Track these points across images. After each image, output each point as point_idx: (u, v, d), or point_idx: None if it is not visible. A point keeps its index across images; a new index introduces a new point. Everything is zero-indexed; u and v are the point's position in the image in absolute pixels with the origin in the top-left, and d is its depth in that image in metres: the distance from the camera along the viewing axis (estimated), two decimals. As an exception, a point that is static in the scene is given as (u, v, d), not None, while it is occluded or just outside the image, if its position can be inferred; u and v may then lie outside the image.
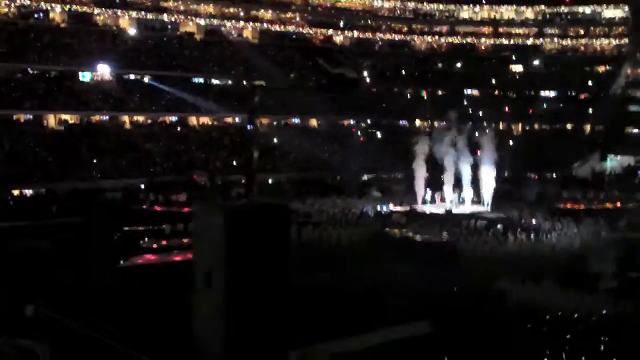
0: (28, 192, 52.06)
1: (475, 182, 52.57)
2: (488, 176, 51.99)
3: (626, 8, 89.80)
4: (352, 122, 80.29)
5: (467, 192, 52.84)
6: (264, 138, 69.08)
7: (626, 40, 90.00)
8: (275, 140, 69.64)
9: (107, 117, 66.79)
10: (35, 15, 70.35)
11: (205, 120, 71.49)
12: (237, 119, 71.18)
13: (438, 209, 50.00)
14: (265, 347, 9.06)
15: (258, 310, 8.73)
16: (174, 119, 70.45)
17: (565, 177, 69.35)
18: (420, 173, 51.71)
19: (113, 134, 64.26)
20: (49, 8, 70.63)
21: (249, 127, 13.52)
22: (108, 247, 32.91)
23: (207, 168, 61.38)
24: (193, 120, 71.07)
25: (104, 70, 68.45)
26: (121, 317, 22.37)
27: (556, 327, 20.62)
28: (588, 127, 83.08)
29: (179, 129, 69.33)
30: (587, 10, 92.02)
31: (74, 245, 35.27)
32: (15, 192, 51.22)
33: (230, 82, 76.26)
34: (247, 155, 12.70)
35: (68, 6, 71.46)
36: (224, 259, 8.61)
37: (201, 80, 75.61)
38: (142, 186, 54.95)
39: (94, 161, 58.44)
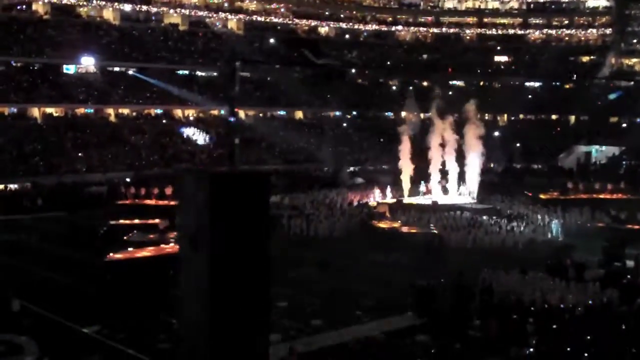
0: (13, 186, 51.72)
1: (462, 173, 52.72)
2: (474, 167, 52.13)
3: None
4: (337, 113, 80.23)
5: (453, 183, 53.00)
6: (250, 130, 69.16)
7: (610, 29, 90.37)
8: (260, 132, 69.58)
9: (92, 110, 66.39)
10: (18, 7, 69.80)
11: (191, 112, 71.26)
12: (222, 111, 70.99)
13: (424, 200, 50.07)
14: (249, 313, 9.15)
15: (242, 275, 8.86)
16: (159, 111, 70.16)
17: (550, 167, 69.63)
18: (406, 164, 51.73)
19: (98, 127, 63.93)
20: (32, 0, 70.15)
21: (231, 119, 13.53)
22: (93, 242, 32.74)
23: (193, 161, 61.29)
24: (178, 112, 70.81)
25: (88, 63, 68.09)
26: (103, 311, 22.41)
27: (542, 318, 20.72)
28: (573, 118, 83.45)
29: (164, 121, 69.06)
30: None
31: (59, 240, 35.20)
32: (0, 186, 50.90)
33: (215, 73, 76.07)
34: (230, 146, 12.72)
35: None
36: (209, 221, 8.78)
37: (186, 72, 75.28)
38: (128, 179, 54.69)
39: (79, 154, 58.22)
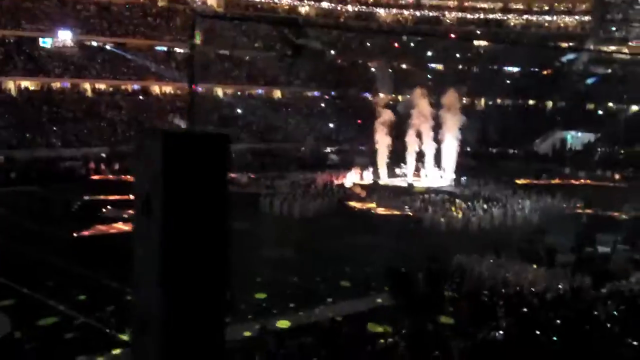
0: (-14, 159, 51.18)
1: (438, 157, 52.88)
2: (451, 150, 52.30)
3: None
4: (316, 93, 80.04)
5: (430, 165, 53.13)
6: (227, 108, 68.91)
7: (589, 17, 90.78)
8: (238, 110, 69.37)
9: (68, 84, 65.68)
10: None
11: (168, 89, 70.76)
12: (199, 88, 70.44)
13: (400, 182, 50.18)
14: (205, 285, 8.88)
15: (197, 244, 8.56)
16: (136, 87, 69.57)
17: (526, 152, 70.04)
18: (383, 146, 51.74)
19: (74, 102, 63.27)
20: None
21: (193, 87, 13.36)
22: (66, 217, 32.55)
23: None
24: (155, 88, 70.25)
25: (65, 37, 67.24)
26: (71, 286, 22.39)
27: (513, 301, 20.87)
28: (550, 104, 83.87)
29: (141, 97, 68.50)
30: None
31: (31, 214, 34.88)
32: (-28, 159, 50.38)
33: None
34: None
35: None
36: (162, 184, 8.46)
37: (164, 48, 74.68)
38: (104, 155, 54.31)
39: (55, 129, 57.66)
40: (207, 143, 5.96)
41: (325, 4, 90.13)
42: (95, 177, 46.21)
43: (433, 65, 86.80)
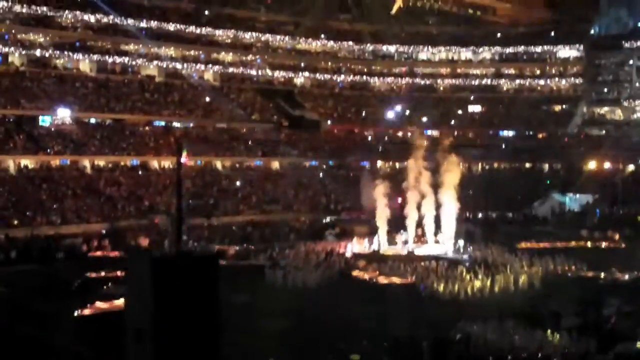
0: (-15, 238, 51.10)
1: (437, 222, 52.79)
2: (450, 216, 52.21)
3: (580, 47, 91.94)
4: (314, 163, 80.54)
5: (429, 232, 52.96)
6: (226, 180, 69.28)
7: (581, 79, 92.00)
8: (237, 182, 69.78)
9: (68, 161, 66.02)
10: (-5, 60, 69.97)
11: (167, 163, 71.15)
12: (198, 162, 71.01)
13: (400, 250, 50.01)
14: None
15: None
16: (135, 162, 69.96)
17: (525, 215, 70.05)
18: (382, 214, 51.68)
19: (73, 178, 63.54)
20: (8, 52, 70.34)
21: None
22: (66, 295, 32.38)
23: (168, 212, 61.00)
24: (154, 163, 70.64)
25: (64, 114, 67.94)
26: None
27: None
28: (546, 166, 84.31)
29: (140, 172, 68.82)
30: (542, 49, 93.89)
31: (31, 293, 34.66)
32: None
33: (191, 124, 76.55)
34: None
35: (27, 50, 71.35)
36: (153, 310, 8.21)
37: (162, 123, 75.44)
38: (104, 231, 54.32)
39: (54, 206, 57.79)
40: (195, 266, 6.04)
41: (319, 75, 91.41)
42: (96, 253, 46.08)
43: (429, 131, 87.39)
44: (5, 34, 70.88)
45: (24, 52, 71.33)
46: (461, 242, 49.61)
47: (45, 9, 72.10)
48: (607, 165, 78.67)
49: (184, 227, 53.00)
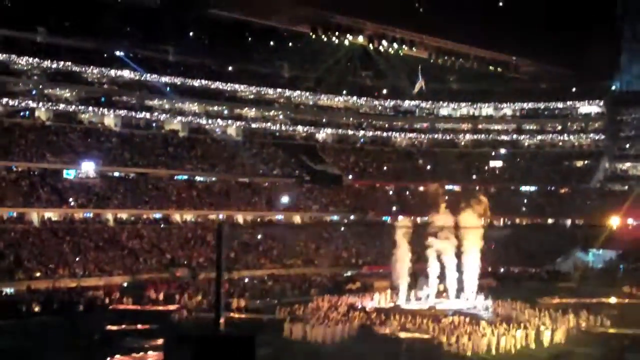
0: (9, 290, 51.43)
1: (460, 277, 52.44)
2: (472, 271, 51.88)
3: (601, 103, 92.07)
4: (335, 217, 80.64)
5: (451, 287, 52.60)
6: (247, 234, 69.49)
7: (602, 135, 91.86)
8: (258, 236, 70.00)
9: (91, 214, 66.55)
10: (21, 114, 71.15)
11: (189, 216, 71.53)
12: (220, 215, 71.44)
13: (421, 304, 49.68)
14: None
15: None
16: (158, 215, 70.42)
17: (548, 271, 69.48)
18: (403, 269, 51.49)
19: (96, 231, 63.99)
20: (35, 106, 71.62)
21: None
22: (87, 348, 32.46)
23: (189, 265, 61.24)
24: (176, 216, 71.06)
25: (88, 167, 68.69)
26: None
27: None
28: (569, 222, 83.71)
29: (162, 225, 69.20)
30: (564, 105, 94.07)
31: (53, 346, 34.79)
32: (-3, 291, 50.63)
33: (214, 178, 77.15)
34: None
35: (54, 105, 72.63)
36: None
37: (185, 177, 76.10)
38: (125, 284, 54.49)
39: (77, 259, 58.12)
40: (234, 346, 6.17)
41: (341, 130, 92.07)
42: (118, 306, 46.21)
43: (450, 186, 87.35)
44: (33, 89, 72.30)
45: (50, 107, 72.57)
46: (482, 297, 49.24)
47: (71, 64, 73.47)
48: (630, 220, 78.01)
49: (204, 281, 53.19)
